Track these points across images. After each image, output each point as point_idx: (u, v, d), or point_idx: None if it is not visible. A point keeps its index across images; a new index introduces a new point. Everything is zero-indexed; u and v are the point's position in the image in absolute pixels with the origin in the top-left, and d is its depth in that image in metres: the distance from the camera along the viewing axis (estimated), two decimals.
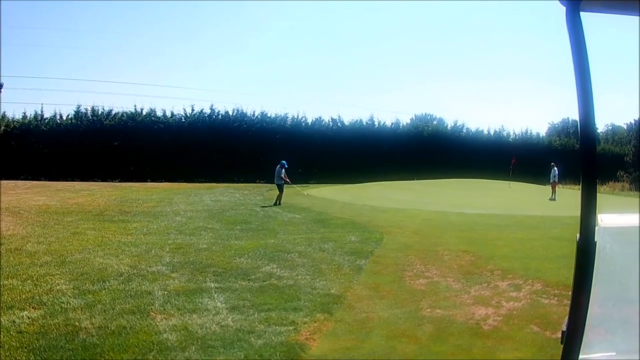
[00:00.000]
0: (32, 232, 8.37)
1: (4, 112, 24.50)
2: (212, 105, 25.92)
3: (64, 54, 48.20)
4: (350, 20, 57.45)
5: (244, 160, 24.29)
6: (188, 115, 25.62)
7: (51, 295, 5.02)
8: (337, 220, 10.57)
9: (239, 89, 59.57)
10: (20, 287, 5.28)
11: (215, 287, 5.49)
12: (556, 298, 5.21)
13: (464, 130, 31.34)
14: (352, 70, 62.18)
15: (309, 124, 27.31)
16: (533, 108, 64.35)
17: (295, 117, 27.23)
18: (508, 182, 23.06)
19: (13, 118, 24.65)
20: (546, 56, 56.82)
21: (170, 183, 21.34)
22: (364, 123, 28.36)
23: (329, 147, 25.68)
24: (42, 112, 24.93)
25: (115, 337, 4.05)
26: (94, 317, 4.45)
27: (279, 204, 13.47)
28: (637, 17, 1.22)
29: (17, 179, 20.44)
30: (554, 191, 18.84)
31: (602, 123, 43.35)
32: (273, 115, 26.68)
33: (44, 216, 10.18)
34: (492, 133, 32.10)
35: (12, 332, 4.06)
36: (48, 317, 4.43)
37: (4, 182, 16.87)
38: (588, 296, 1.16)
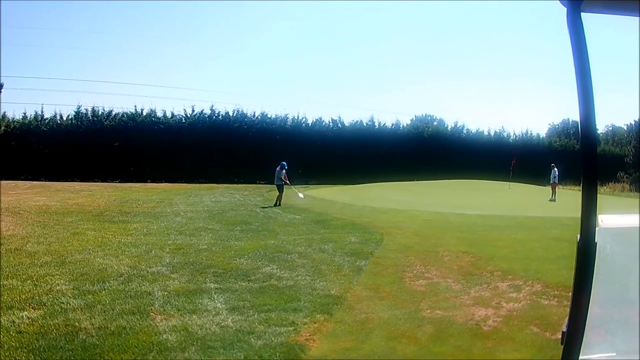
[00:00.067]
0: (32, 233, 8.37)
1: (4, 112, 24.59)
2: (212, 106, 26.04)
3: (64, 54, 48.29)
4: (350, 20, 57.56)
5: (244, 161, 24.30)
6: (188, 115, 25.67)
7: (51, 296, 5.02)
8: (337, 221, 10.56)
9: (239, 89, 59.71)
10: (20, 287, 5.28)
11: (215, 288, 5.49)
12: (556, 299, 5.21)
13: (464, 131, 31.40)
14: (352, 70, 62.28)
15: (309, 124, 27.36)
16: (533, 109, 64.43)
17: (296, 117, 27.34)
18: (508, 183, 23.06)
19: (13, 118, 24.73)
20: (546, 57, 56.93)
21: (171, 184, 21.35)
22: (364, 124, 28.41)
23: (329, 148, 25.69)
24: (42, 112, 25.03)
25: (115, 337, 4.04)
26: (94, 318, 4.45)
27: (279, 204, 13.47)
28: (637, 17, 1.22)
29: (17, 179, 20.45)
30: (554, 192, 18.84)
31: (602, 124, 43.43)
32: (273, 116, 26.76)
33: (43, 216, 10.18)
34: (492, 134, 32.20)
35: (11, 332, 4.06)
36: (48, 317, 4.43)
37: (4, 182, 16.88)
38: (588, 297, 1.16)
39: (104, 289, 5.34)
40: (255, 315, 4.64)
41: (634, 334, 1.30)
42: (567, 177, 22.56)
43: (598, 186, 1.21)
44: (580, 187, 1.18)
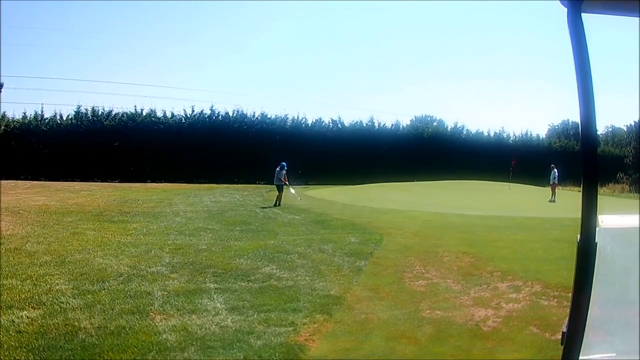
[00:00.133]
0: (32, 232, 8.36)
1: (4, 112, 24.58)
2: (212, 106, 26.04)
3: (64, 54, 48.21)
4: (350, 20, 57.50)
5: (244, 161, 24.30)
6: (188, 116, 25.68)
7: (50, 295, 5.02)
8: (336, 222, 10.56)
9: (239, 89, 59.65)
10: (20, 287, 5.27)
11: (215, 288, 5.48)
12: (556, 299, 5.21)
13: (464, 132, 31.44)
14: (352, 70, 62.21)
15: (309, 125, 27.37)
16: (533, 109, 64.41)
17: (296, 118, 27.37)
18: (508, 183, 23.07)
19: (13, 118, 24.72)
20: (546, 57, 56.86)
21: (170, 184, 21.34)
22: (364, 124, 28.42)
23: (329, 149, 25.70)
24: (42, 112, 25.03)
25: (114, 337, 4.04)
26: (93, 317, 4.44)
27: (279, 205, 13.47)
28: (638, 18, 1.22)
29: (17, 179, 20.44)
30: (553, 193, 18.85)
31: (602, 124, 43.36)
32: (273, 116, 26.78)
33: (43, 216, 10.18)
34: (492, 135, 32.22)
35: (11, 332, 4.06)
36: (47, 317, 4.43)
37: (4, 182, 16.87)
38: (588, 297, 1.16)
39: (104, 289, 5.33)
40: (255, 316, 4.63)
41: (634, 334, 1.30)
42: (566, 178, 22.57)
43: (598, 187, 1.22)
44: (580, 188, 1.18)
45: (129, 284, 5.56)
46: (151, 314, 4.61)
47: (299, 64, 58.44)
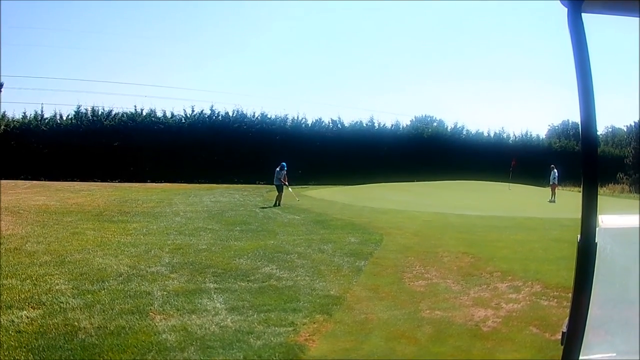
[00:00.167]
0: (32, 232, 8.36)
1: (4, 112, 24.54)
2: (212, 106, 26.01)
3: (64, 54, 48.11)
4: (350, 20, 57.40)
5: (244, 161, 24.28)
6: (188, 116, 25.67)
7: (50, 295, 5.01)
8: (336, 222, 10.56)
9: (239, 89, 59.58)
10: (20, 286, 5.27)
11: (215, 288, 5.48)
12: (555, 300, 5.21)
13: (464, 132, 31.42)
14: (352, 70, 62.09)
15: (309, 125, 27.35)
16: (533, 109, 64.37)
17: (295, 118, 27.34)
18: (508, 184, 23.07)
19: (13, 118, 24.68)
20: (547, 57, 56.81)
21: (170, 184, 21.34)
22: (364, 124, 28.40)
23: (329, 149, 25.68)
24: (42, 112, 24.99)
25: (114, 337, 4.04)
26: (93, 317, 4.44)
27: (279, 205, 13.47)
28: (638, 18, 1.22)
29: (17, 179, 20.42)
30: (553, 193, 18.85)
31: (602, 125, 43.35)
32: (273, 116, 26.75)
33: (43, 216, 10.18)
34: (492, 135, 32.19)
35: (11, 332, 4.05)
36: (47, 316, 4.42)
37: (4, 182, 16.86)
38: (588, 297, 1.16)
39: (103, 289, 5.33)
40: (255, 316, 4.63)
41: (634, 334, 1.30)
42: (566, 179, 22.57)
43: (598, 187, 1.22)
44: (580, 188, 1.18)
45: (129, 283, 5.56)
46: (151, 314, 4.61)
47: (299, 64, 58.41)
